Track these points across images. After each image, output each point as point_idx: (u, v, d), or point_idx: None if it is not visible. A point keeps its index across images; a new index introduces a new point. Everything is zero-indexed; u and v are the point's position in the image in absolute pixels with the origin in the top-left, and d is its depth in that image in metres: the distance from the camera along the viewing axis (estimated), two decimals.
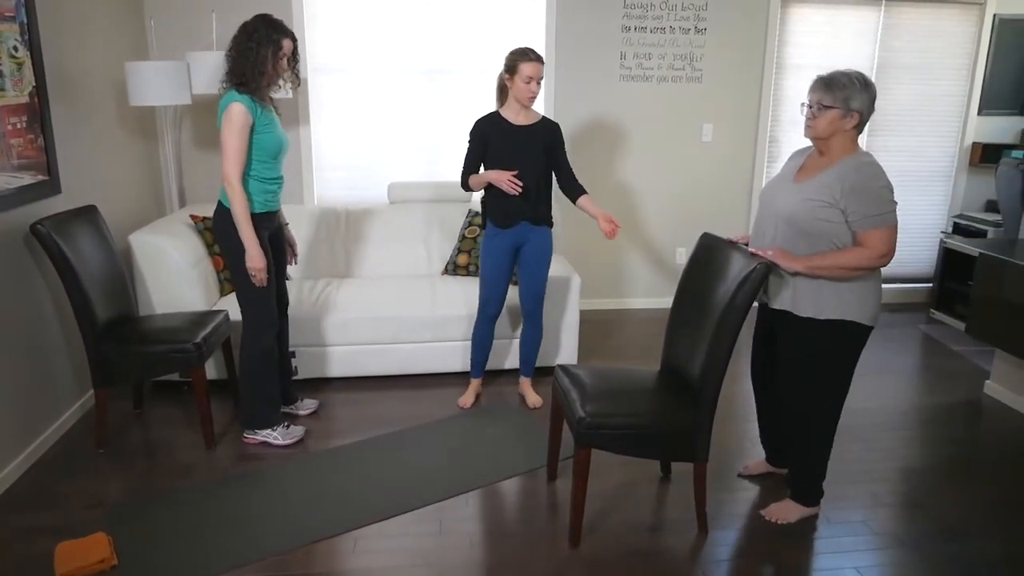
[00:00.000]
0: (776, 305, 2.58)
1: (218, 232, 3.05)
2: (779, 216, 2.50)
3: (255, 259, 2.98)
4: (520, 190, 3.22)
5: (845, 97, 2.37)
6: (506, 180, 3.21)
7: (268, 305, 3.09)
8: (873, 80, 5.00)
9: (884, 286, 5.52)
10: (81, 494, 2.85)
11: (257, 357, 3.11)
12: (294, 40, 2.99)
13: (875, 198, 2.34)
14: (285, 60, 2.97)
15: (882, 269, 2.49)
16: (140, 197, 4.25)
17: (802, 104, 2.50)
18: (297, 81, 3.09)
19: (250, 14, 4.38)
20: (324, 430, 3.39)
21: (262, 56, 2.88)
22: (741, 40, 4.94)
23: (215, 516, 2.71)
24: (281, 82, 3.04)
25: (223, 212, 3.01)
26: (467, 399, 3.65)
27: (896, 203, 2.37)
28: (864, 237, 2.37)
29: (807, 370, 2.56)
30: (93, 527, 2.63)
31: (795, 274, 2.47)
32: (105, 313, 3.13)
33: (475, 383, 3.69)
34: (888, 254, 2.36)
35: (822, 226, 2.40)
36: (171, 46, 4.43)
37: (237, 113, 2.86)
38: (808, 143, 2.61)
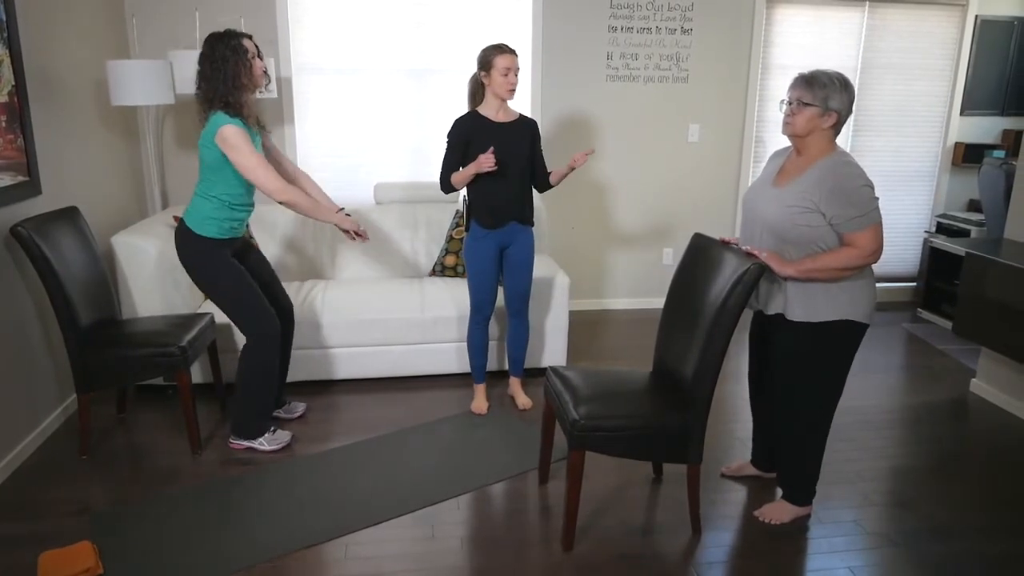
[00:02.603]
0: (770, 311, 2.58)
1: (183, 254, 3.00)
2: (763, 223, 2.51)
3: (352, 223, 3.02)
4: (496, 163, 3.10)
5: (825, 96, 2.38)
6: (483, 162, 3.09)
7: (259, 315, 3.03)
8: (857, 80, 5.11)
9: None
10: (64, 501, 2.80)
11: (258, 371, 3.06)
12: (250, 37, 2.94)
13: (856, 199, 2.34)
14: (255, 59, 2.92)
15: (872, 266, 2.50)
16: (122, 198, 4.19)
17: (781, 101, 2.52)
18: (269, 79, 3.02)
19: (233, 12, 4.37)
20: (313, 434, 3.35)
21: (233, 69, 2.83)
22: (727, 40, 4.95)
23: (202, 522, 2.66)
24: (265, 81, 2.99)
25: (185, 233, 2.97)
26: (481, 405, 3.58)
27: (878, 199, 2.38)
28: (851, 238, 2.37)
29: (802, 372, 2.56)
30: (77, 535, 2.57)
31: (787, 278, 2.47)
32: (88, 316, 3.07)
33: (482, 388, 3.63)
34: (877, 251, 2.37)
35: (804, 232, 2.41)
36: (153, 45, 4.37)
37: (233, 133, 2.81)
38: (787, 143, 2.61)
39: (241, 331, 3.06)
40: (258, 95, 3.02)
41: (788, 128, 2.47)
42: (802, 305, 2.47)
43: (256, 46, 2.95)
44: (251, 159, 2.84)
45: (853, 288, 2.45)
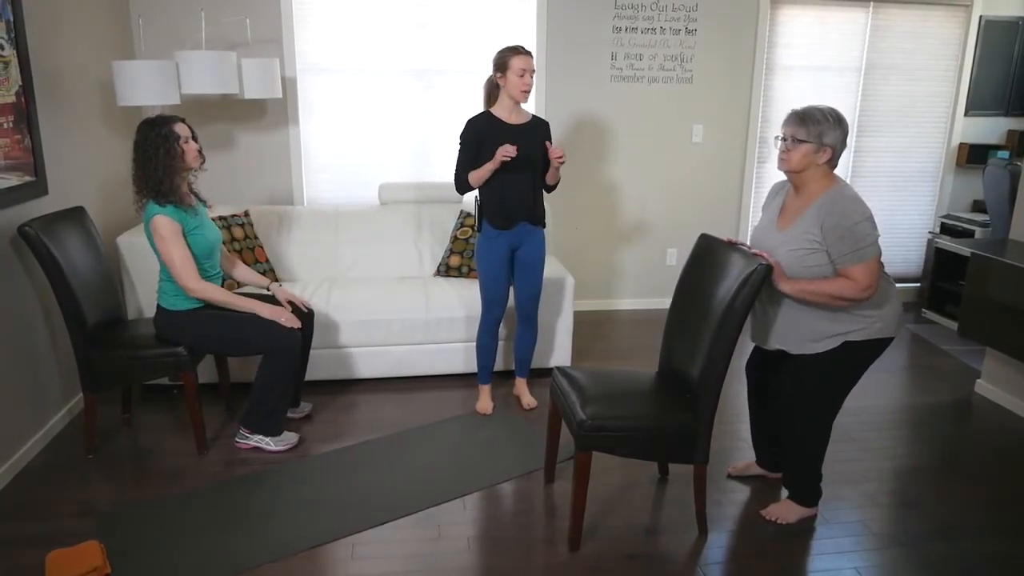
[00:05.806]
0: (795, 351, 2.57)
1: (168, 334, 3.07)
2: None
3: (273, 312, 3.05)
4: (513, 153, 3.08)
5: (819, 132, 2.40)
6: (500, 155, 3.09)
7: (264, 333, 3.05)
8: (861, 81, 5.11)
9: None
10: (70, 502, 2.80)
11: (276, 378, 3.08)
12: (183, 120, 2.98)
13: (852, 235, 2.36)
14: (188, 142, 2.96)
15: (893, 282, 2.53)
16: (127, 198, 4.19)
17: (776, 137, 2.54)
18: (203, 158, 3.05)
19: (237, 13, 4.37)
20: (318, 434, 3.36)
21: (163, 156, 2.87)
22: (731, 41, 4.95)
23: (208, 522, 2.66)
24: (199, 162, 3.01)
25: (163, 313, 3.05)
26: (486, 405, 3.57)
27: (877, 234, 2.38)
28: (846, 272, 2.40)
29: (818, 393, 2.58)
30: (84, 535, 2.57)
31: (783, 294, 2.50)
32: (94, 316, 3.08)
33: (487, 388, 3.63)
34: (871, 287, 2.38)
35: (815, 271, 2.44)
36: (159, 45, 4.37)
37: (163, 224, 2.88)
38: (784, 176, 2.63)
39: (262, 353, 3.09)
40: (192, 177, 3.07)
41: (784, 164, 2.50)
42: (819, 338, 2.50)
43: (190, 128, 2.99)
44: (173, 252, 2.91)
45: (883, 311, 2.48)
